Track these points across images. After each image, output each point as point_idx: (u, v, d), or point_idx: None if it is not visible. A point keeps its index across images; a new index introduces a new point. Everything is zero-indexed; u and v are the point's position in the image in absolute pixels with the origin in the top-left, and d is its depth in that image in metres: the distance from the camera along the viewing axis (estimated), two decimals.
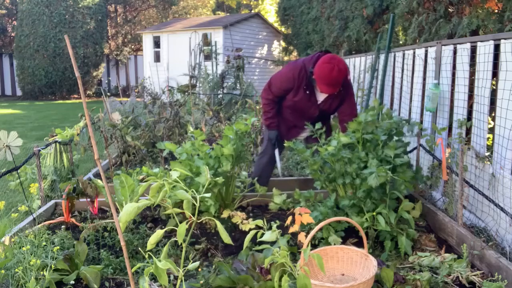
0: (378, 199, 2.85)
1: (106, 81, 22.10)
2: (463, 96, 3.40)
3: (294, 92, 3.53)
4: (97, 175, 4.62)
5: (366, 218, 2.77)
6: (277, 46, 19.44)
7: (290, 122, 3.72)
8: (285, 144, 3.33)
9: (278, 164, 3.96)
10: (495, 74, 3.02)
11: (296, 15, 13.52)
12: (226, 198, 3.32)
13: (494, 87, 3.14)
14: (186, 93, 6.12)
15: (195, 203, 1.78)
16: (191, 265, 1.81)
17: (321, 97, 3.55)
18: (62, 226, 3.09)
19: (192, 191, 1.80)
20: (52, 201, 3.69)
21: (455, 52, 3.52)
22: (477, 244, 2.57)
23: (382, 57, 5.44)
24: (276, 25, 19.86)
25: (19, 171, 3.90)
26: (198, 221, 1.90)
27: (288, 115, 3.70)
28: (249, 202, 3.58)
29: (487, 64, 3.04)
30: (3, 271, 2.20)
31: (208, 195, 1.87)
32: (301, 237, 2.33)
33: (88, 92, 20.27)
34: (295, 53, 17.51)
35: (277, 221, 2.39)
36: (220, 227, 1.80)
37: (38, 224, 3.14)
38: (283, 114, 3.73)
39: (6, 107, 15.27)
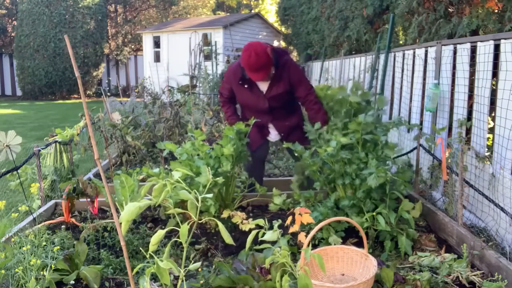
0: (378, 199, 2.85)
1: (106, 81, 22.10)
2: (463, 96, 3.40)
3: (236, 89, 3.60)
4: (97, 175, 4.62)
5: (366, 218, 2.77)
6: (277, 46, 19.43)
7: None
8: (284, 146, 3.32)
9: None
10: (495, 74, 3.02)
11: (296, 15, 13.51)
12: (226, 198, 3.32)
13: (494, 87, 3.14)
14: (186, 93, 6.11)
15: (196, 203, 1.78)
16: (192, 266, 1.81)
17: (263, 86, 3.52)
18: (62, 226, 3.09)
19: (194, 191, 1.80)
20: (52, 201, 3.69)
21: (455, 52, 3.52)
22: (477, 244, 2.58)
23: (382, 57, 5.44)
24: (276, 25, 19.86)
25: (19, 171, 3.90)
26: (199, 221, 1.90)
27: (248, 115, 3.67)
28: (249, 202, 3.58)
29: (487, 64, 3.04)
30: (3, 271, 2.20)
31: (210, 195, 1.87)
32: (301, 237, 2.33)
33: (88, 92, 20.27)
34: (295, 53, 17.51)
35: (279, 220, 2.39)
36: (221, 227, 1.80)
37: (38, 224, 3.14)
38: (246, 116, 3.72)
39: (6, 107, 15.27)
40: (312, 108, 3.48)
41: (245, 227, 2.93)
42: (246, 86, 3.51)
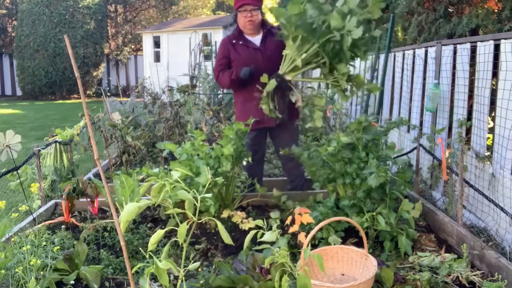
0: (378, 199, 2.85)
1: (106, 81, 22.10)
2: (463, 96, 3.40)
3: (232, 51, 3.63)
4: (97, 175, 4.62)
5: (366, 218, 2.77)
6: None
7: (251, 95, 3.52)
8: (281, 153, 3.32)
9: None
10: (495, 74, 3.02)
11: None
12: (226, 198, 3.32)
13: (494, 87, 3.14)
14: (186, 93, 6.11)
15: (196, 203, 1.78)
16: (192, 265, 1.81)
17: (256, 41, 3.64)
18: (62, 226, 3.09)
19: (193, 191, 1.80)
20: (52, 201, 3.69)
21: (455, 52, 3.52)
22: (477, 244, 2.57)
23: (382, 57, 5.44)
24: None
25: (19, 171, 3.90)
26: (199, 221, 1.90)
27: (246, 88, 3.60)
28: (249, 202, 3.58)
29: (487, 64, 3.04)
30: (3, 271, 2.20)
31: (209, 195, 1.87)
32: (301, 237, 2.33)
33: (88, 92, 20.26)
34: None
35: (277, 220, 2.39)
36: (221, 227, 1.80)
37: (38, 224, 3.14)
38: (242, 93, 3.68)
39: (6, 107, 15.27)
40: None
41: (245, 226, 2.93)
42: (241, 42, 3.61)
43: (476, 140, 3.17)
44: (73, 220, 3.30)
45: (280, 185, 3.94)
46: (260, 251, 2.41)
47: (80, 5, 19.32)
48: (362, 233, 2.32)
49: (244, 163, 3.74)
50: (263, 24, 3.67)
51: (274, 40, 3.58)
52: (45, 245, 2.51)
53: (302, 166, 3.76)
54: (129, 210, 1.70)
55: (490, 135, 3.37)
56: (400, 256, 2.69)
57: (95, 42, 19.89)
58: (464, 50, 3.35)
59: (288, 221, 2.52)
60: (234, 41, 3.64)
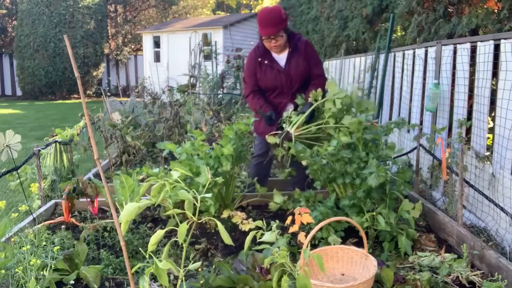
0: (378, 199, 2.85)
1: (106, 81, 22.11)
2: (463, 96, 3.40)
3: (259, 70, 3.63)
4: (97, 175, 4.62)
5: (366, 218, 2.77)
6: None
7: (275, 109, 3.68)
8: (284, 145, 3.32)
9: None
10: (495, 74, 3.02)
11: (296, 15, 13.51)
12: (226, 198, 3.32)
13: (494, 87, 3.14)
14: (186, 93, 6.11)
15: (196, 203, 1.78)
16: (192, 265, 1.81)
17: (282, 60, 3.61)
18: (62, 226, 3.09)
19: (193, 191, 1.80)
20: (52, 201, 3.69)
21: (455, 52, 3.52)
22: (477, 244, 2.57)
23: (382, 57, 5.44)
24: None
25: (19, 171, 3.90)
26: (199, 221, 1.90)
27: (270, 100, 3.70)
28: (249, 202, 3.58)
29: (487, 64, 3.04)
30: (3, 271, 2.20)
31: (209, 195, 1.86)
32: (301, 237, 2.33)
33: (88, 92, 20.27)
34: None
35: (277, 220, 2.39)
36: (221, 228, 1.80)
37: (38, 224, 3.14)
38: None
39: (6, 107, 15.27)
40: (315, 84, 3.56)
41: (245, 227, 2.93)
42: (266, 62, 3.59)
43: (476, 140, 3.17)
44: (73, 220, 3.30)
45: (280, 185, 3.94)
46: (260, 251, 2.41)
47: (80, 5, 19.34)
48: (362, 233, 2.32)
49: (255, 162, 3.79)
50: (289, 39, 3.60)
51: (298, 58, 3.58)
52: (45, 245, 2.51)
53: (304, 169, 3.77)
54: (129, 210, 1.70)
55: (490, 135, 3.37)
56: (400, 256, 2.69)
57: (95, 42, 19.91)
58: (464, 50, 3.35)
59: (288, 221, 2.52)
60: (260, 59, 3.61)
